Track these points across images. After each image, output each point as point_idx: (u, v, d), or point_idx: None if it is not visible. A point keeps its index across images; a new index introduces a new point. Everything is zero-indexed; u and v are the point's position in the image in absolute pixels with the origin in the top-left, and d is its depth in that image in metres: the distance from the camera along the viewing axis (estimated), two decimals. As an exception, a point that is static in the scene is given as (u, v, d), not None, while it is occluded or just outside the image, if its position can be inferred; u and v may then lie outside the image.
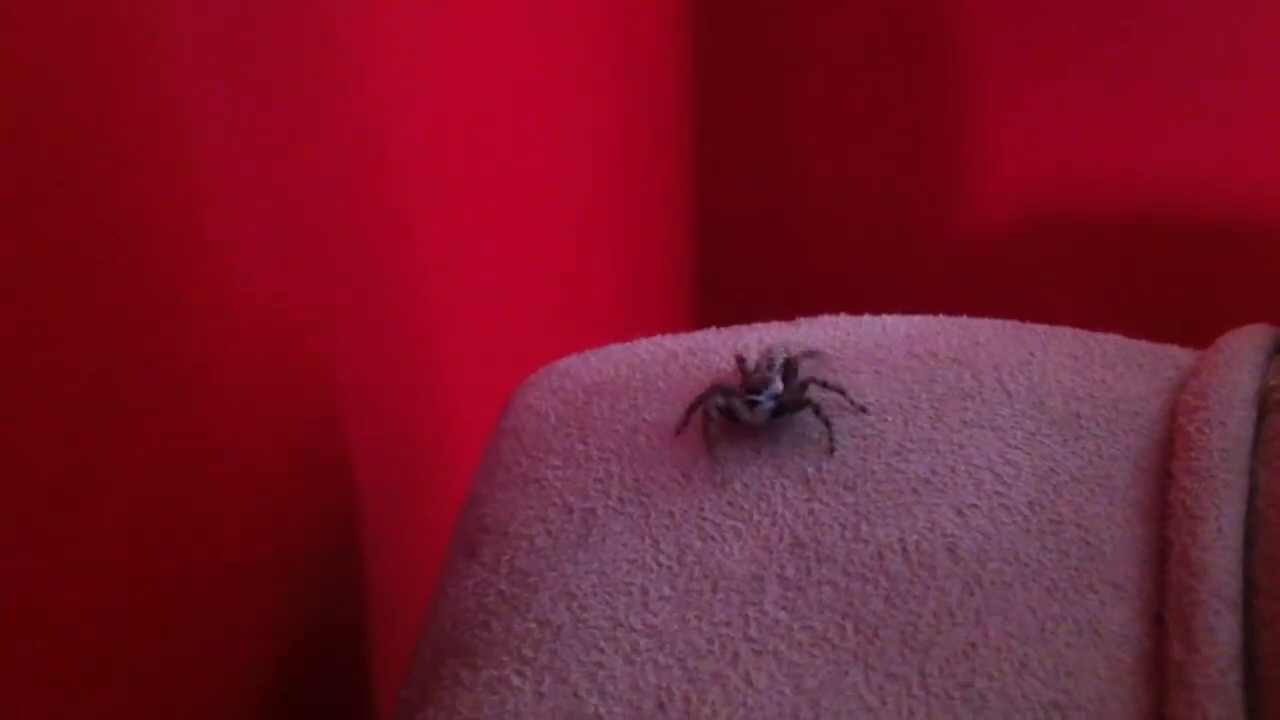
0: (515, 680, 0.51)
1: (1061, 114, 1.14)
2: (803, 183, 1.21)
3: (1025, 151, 1.16)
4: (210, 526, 0.59)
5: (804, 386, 0.58)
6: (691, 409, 0.59)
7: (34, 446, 0.47)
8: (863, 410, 0.57)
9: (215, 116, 0.57)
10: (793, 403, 0.57)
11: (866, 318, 0.64)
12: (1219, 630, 0.48)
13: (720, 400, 0.57)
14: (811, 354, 0.60)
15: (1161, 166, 1.14)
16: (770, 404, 0.56)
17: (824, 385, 0.58)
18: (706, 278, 1.23)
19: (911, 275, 1.20)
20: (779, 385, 0.57)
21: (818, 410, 0.57)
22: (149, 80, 0.52)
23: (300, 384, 0.66)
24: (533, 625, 0.53)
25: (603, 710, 0.49)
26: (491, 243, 0.86)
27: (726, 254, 1.23)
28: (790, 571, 0.52)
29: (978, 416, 0.57)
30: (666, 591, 0.53)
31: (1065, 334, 0.62)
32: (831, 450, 0.56)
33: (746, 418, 0.56)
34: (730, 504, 0.55)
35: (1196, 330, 0.63)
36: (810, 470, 0.55)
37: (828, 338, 0.62)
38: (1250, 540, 0.51)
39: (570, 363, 0.66)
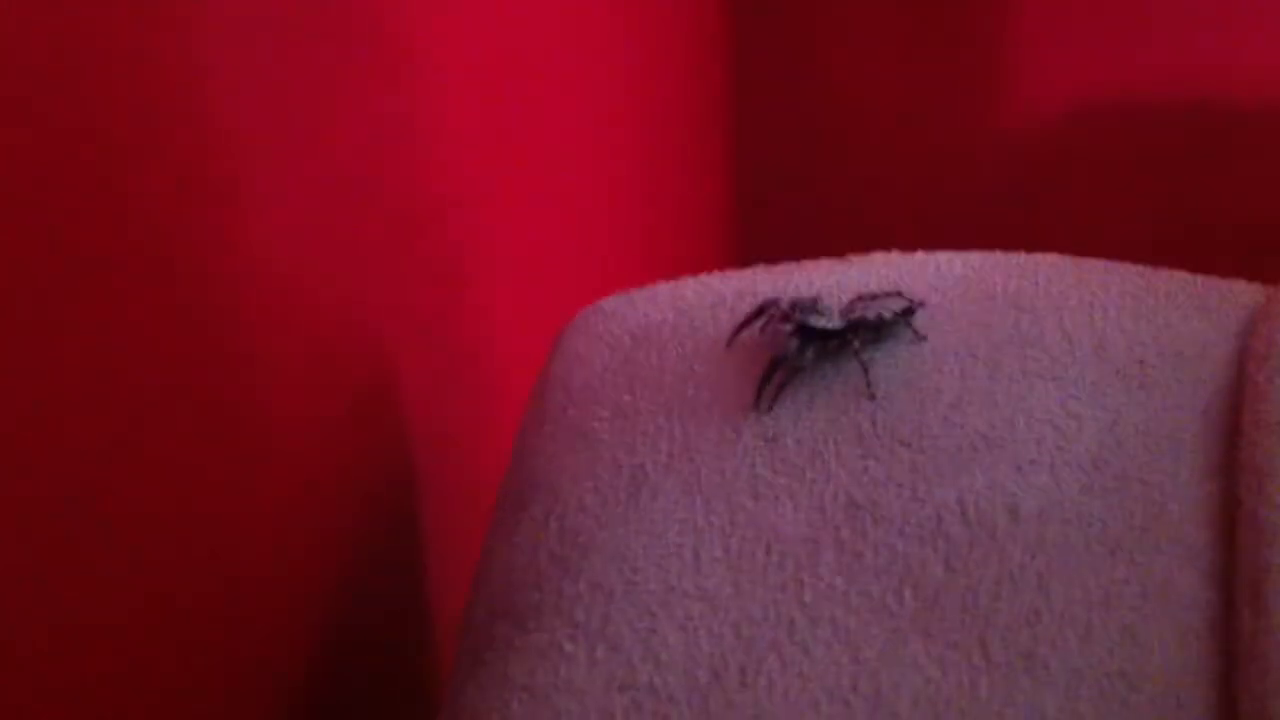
0: (568, 646, 0.50)
1: (1108, 13, 1.11)
2: (843, 99, 1.18)
3: (1071, 55, 1.13)
4: (267, 486, 0.58)
5: (854, 326, 0.56)
6: (742, 326, 0.57)
7: (80, 443, 0.46)
8: (924, 339, 0.56)
9: (253, 109, 0.55)
10: (836, 344, 0.55)
11: (920, 255, 0.62)
12: (1291, 599, 0.46)
13: (777, 313, 0.56)
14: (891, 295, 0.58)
15: (1218, 67, 1.10)
16: (820, 330, 0.55)
17: (890, 316, 0.56)
18: (748, 202, 1.21)
19: (958, 186, 1.18)
20: (835, 317, 0.56)
21: (857, 353, 0.55)
22: (192, 91, 0.51)
23: (349, 344, 0.65)
24: (584, 589, 0.52)
25: (657, 680, 0.48)
26: (534, 178, 0.85)
27: (768, 177, 1.20)
28: (845, 534, 0.51)
29: (1038, 365, 0.55)
30: (718, 554, 0.51)
31: (1127, 272, 0.60)
32: (872, 395, 0.54)
33: (792, 356, 0.55)
34: (782, 461, 0.53)
35: (1256, 247, 0.61)
36: (864, 425, 0.54)
37: (880, 279, 0.60)
38: None
39: (616, 303, 0.64)
